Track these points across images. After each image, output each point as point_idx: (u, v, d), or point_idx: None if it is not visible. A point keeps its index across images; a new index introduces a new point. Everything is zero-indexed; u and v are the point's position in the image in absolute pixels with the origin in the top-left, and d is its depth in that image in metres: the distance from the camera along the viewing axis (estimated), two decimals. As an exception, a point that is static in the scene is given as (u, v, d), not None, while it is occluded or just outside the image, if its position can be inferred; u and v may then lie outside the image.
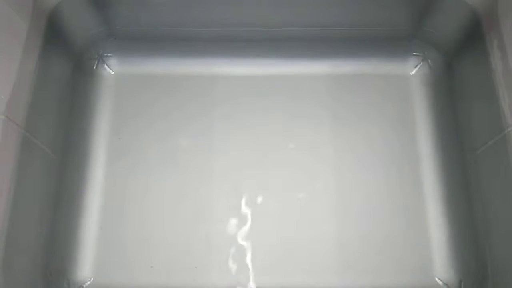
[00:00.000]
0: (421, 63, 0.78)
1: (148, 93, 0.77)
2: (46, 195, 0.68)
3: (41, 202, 0.67)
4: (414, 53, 0.78)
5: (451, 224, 0.70)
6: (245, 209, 0.71)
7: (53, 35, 0.68)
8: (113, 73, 0.78)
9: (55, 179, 0.70)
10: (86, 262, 0.68)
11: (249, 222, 0.70)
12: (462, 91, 0.73)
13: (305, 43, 0.78)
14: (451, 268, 0.68)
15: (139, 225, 0.70)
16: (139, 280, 0.68)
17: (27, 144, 0.62)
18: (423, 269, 0.68)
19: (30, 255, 0.64)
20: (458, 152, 0.73)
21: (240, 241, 0.69)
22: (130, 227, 0.70)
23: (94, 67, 0.78)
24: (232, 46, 0.78)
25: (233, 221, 0.70)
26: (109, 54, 0.78)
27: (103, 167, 0.73)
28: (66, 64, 0.75)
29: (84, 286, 0.67)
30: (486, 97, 0.65)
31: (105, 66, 0.78)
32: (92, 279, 0.68)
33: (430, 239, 0.69)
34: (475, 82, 0.70)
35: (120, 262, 0.68)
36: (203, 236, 0.69)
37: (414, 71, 0.78)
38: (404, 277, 0.68)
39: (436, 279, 0.67)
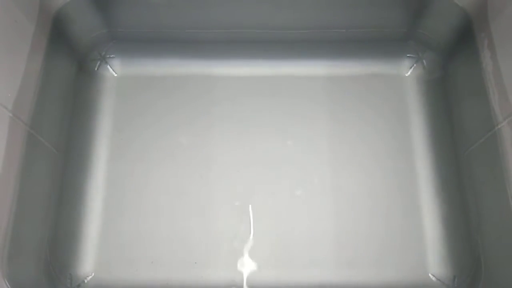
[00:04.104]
0: (416, 64, 0.79)
1: (149, 94, 0.77)
2: (50, 191, 0.69)
3: (45, 198, 0.68)
4: (408, 55, 0.79)
5: (445, 221, 0.70)
6: (243, 205, 0.71)
7: (58, 36, 0.70)
8: (115, 74, 0.79)
9: (59, 176, 0.71)
10: (88, 257, 0.69)
11: (247, 218, 0.70)
12: (455, 91, 0.74)
13: (302, 44, 0.79)
14: (445, 264, 0.68)
15: (140, 221, 0.70)
16: (139, 275, 0.68)
17: (32, 142, 0.63)
18: (417, 266, 0.68)
19: (34, 249, 0.65)
20: (452, 150, 0.73)
21: (239, 236, 0.70)
22: (131, 223, 0.70)
23: (97, 68, 0.79)
24: (232, 47, 0.79)
25: (232, 217, 0.71)
26: (111, 56, 0.79)
27: (105, 165, 0.74)
28: (70, 65, 0.76)
29: (85, 280, 0.68)
30: (477, 96, 0.67)
31: (108, 67, 0.79)
32: (93, 274, 0.68)
33: (424, 235, 0.70)
34: (467, 81, 0.71)
35: (121, 258, 0.69)
36: (202, 232, 0.70)
37: (409, 72, 0.79)
38: (398, 274, 0.68)
39: (430, 275, 0.68)
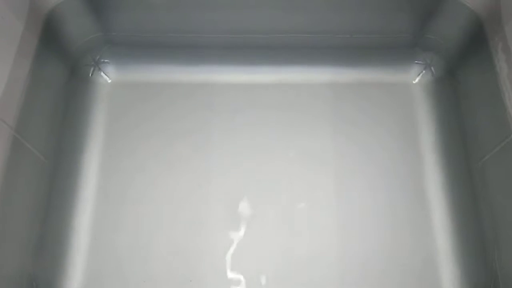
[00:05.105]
0: (424, 71, 0.77)
1: (145, 101, 0.76)
2: (35, 200, 0.66)
3: (30, 207, 0.65)
4: (416, 61, 0.77)
5: (458, 236, 0.68)
6: (243, 221, 0.69)
7: (49, 38, 0.68)
8: (109, 80, 0.77)
9: (46, 185, 0.68)
10: (76, 273, 0.66)
11: (247, 235, 0.68)
12: (466, 98, 0.72)
13: (306, 50, 0.78)
14: (460, 282, 0.66)
15: (132, 236, 0.68)
16: (131, 293, 0.65)
17: (18, 147, 0.61)
18: (430, 283, 0.66)
19: (16, 263, 0.62)
20: (464, 161, 0.71)
21: (238, 253, 0.67)
22: (122, 237, 0.68)
23: (90, 74, 0.77)
24: (232, 53, 0.78)
25: (231, 233, 0.68)
26: (106, 61, 0.78)
27: (97, 175, 0.71)
28: (61, 69, 0.74)
29: (72, 298, 0.65)
30: (491, 102, 0.64)
31: (102, 73, 0.77)
32: (81, 292, 0.65)
33: (437, 251, 0.67)
34: (479, 87, 0.69)
35: (111, 274, 0.66)
36: (199, 248, 0.67)
37: (417, 79, 0.77)
38: (410, 293, 0.65)
39: (444, 293, 0.65)
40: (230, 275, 0.66)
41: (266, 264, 0.67)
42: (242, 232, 0.68)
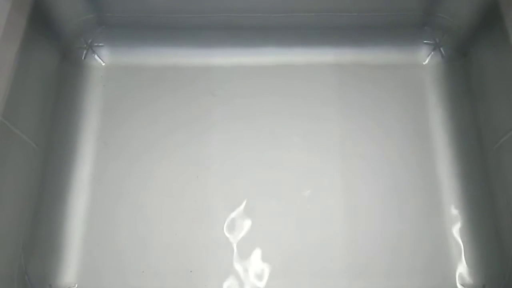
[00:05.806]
0: (433, 51, 0.75)
1: (141, 86, 0.74)
2: (27, 190, 0.64)
3: (21, 197, 0.63)
4: (425, 41, 0.75)
5: (471, 224, 0.66)
6: (245, 210, 0.67)
7: (39, 19, 0.65)
8: (103, 64, 0.76)
9: (38, 173, 0.67)
10: (71, 266, 0.64)
11: (249, 224, 0.66)
12: (479, 78, 0.70)
13: (309, 30, 0.75)
14: (473, 271, 0.64)
15: (129, 226, 0.66)
16: (129, 285, 0.64)
17: (6, 133, 0.59)
18: (442, 274, 0.64)
19: (7, 257, 0.60)
20: (477, 145, 0.69)
21: (240, 243, 0.65)
22: (120, 228, 0.66)
23: (83, 57, 0.75)
24: (231, 34, 0.76)
25: (232, 223, 0.67)
26: (99, 44, 0.76)
27: (91, 164, 0.69)
28: (53, 52, 0.72)
29: (67, 292, 0.63)
30: (507, 82, 0.62)
31: (95, 56, 0.76)
32: (76, 285, 0.64)
33: (449, 240, 0.65)
34: (493, 67, 0.66)
35: (108, 266, 0.64)
36: (199, 238, 0.66)
37: (427, 60, 0.75)
38: (420, 283, 0.63)
39: (457, 284, 0.63)
40: (232, 265, 0.65)
41: (269, 253, 0.65)
42: (244, 221, 0.67)
